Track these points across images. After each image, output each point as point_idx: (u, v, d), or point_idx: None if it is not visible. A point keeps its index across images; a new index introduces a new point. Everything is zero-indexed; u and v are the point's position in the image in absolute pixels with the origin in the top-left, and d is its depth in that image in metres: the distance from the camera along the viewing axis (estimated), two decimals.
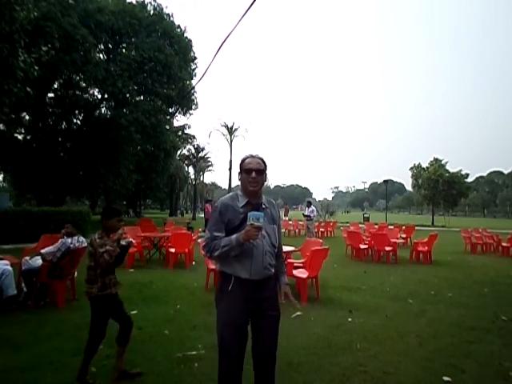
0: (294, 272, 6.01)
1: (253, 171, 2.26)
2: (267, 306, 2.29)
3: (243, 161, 2.33)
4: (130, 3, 20.37)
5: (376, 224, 20.01)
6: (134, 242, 3.63)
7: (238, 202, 2.29)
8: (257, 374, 2.33)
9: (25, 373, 3.12)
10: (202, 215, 39.87)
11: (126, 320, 3.10)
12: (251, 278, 2.21)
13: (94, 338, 2.98)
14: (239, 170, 2.33)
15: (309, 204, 16.87)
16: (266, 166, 2.36)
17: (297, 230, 19.62)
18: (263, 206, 2.33)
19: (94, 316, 3.00)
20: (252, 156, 2.35)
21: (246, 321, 2.25)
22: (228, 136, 37.75)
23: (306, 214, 16.32)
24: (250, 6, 4.69)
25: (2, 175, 32.09)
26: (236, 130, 37.89)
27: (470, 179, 45.84)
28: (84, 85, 20.16)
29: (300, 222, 21.40)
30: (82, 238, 5.54)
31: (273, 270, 2.34)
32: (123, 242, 3.09)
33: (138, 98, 20.88)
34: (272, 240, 2.32)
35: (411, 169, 43.13)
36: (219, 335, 2.24)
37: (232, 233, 2.19)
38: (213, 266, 6.33)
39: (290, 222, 20.68)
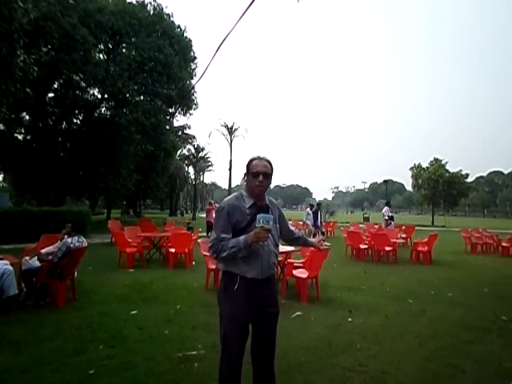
0: (294, 272, 6.01)
1: (260, 174, 2.24)
2: (268, 304, 2.33)
3: (250, 162, 2.31)
4: (130, 3, 20.36)
5: (376, 224, 20.00)
6: None
7: (244, 203, 2.28)
8: (256, 372, 2.36)
9: (25, 373, 3.11)
10: (203, 215, 39.96)
11: None
12: (257, 277, 2.23)
13: None
14: (246, 171, 2.32)
15: (388, 204, 14.86)
16: (272, 168, 2.34)
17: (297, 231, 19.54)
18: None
19: None
20: (259, 158, 2.32)
21: (250, 318, 2.29)
22: (228, 136, 37.88)
23: (387, 216, 14.23)
24: (250, 5, 4.68)
25: (2, 175, 32.07)
26: (236, 130, 38.00)
27: (470, 179, 45.83)
28: (84, 85, 20.13)
29: (300, 222, 21.37)
30: (82, 238, 5.53)
31: (275, 269, 2.41)
32: None
33: (137, 98, 20.84)
34: (276, 240, 2.38)
35: (411, 169, 43.12)
36: (222, 333, 2.28)
37: (239, 234, 2.19)
38: (213, 266, 6.33)
39: (290, 222, 20.63)
